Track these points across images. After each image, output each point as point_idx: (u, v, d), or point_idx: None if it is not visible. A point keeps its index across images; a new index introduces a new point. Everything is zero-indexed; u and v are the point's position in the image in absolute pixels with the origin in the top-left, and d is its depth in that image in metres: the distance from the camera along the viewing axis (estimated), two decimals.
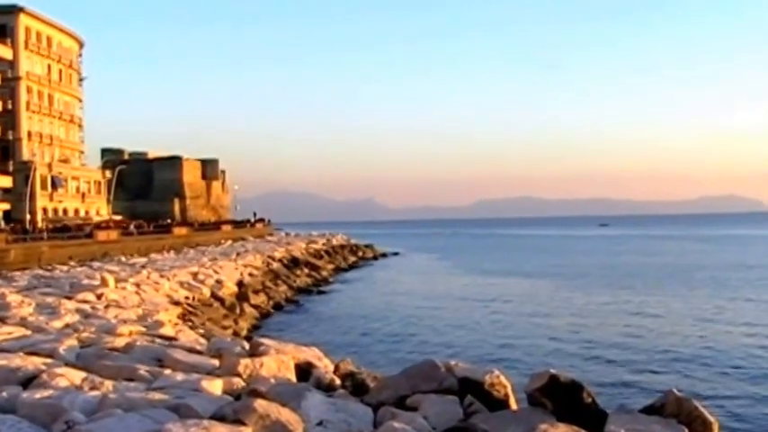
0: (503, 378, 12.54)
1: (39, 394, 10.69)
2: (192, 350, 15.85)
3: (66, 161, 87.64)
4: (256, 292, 42.98)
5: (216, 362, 14.23)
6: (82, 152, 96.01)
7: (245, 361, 13.45)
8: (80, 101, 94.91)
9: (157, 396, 10.82)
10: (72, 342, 15.73)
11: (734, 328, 32.59)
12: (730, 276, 57.53)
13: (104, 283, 30.49)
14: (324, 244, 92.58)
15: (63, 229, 62.43)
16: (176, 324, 23.72)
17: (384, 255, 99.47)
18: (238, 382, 12.48)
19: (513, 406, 12.36)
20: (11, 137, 78.93)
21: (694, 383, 21.78)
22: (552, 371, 11.85)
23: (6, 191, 74.06)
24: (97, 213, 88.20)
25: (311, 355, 15.64)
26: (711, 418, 11.24)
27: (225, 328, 29.82)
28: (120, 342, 16.18)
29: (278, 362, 13.68)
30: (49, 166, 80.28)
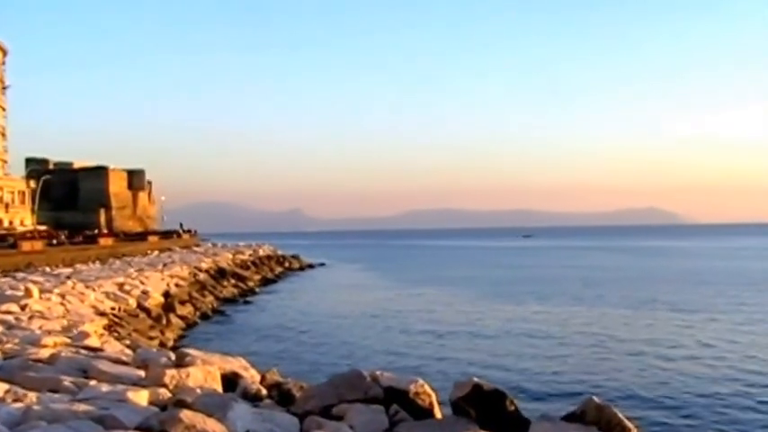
0: (427, 387, 12.62)
1: None
2: (117, 361, 15.60)
3: None
4: (183, 302, 42.49)
5: (142, 373, 14.02)
6: (5, 161, 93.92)
7: (171, 372, 13.29)
8: (3, 109, 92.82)
9: (82, 407, 10.61)
10: None
11: (652, 335, 33.24)
12: (645, 286, 58.66)
13: (28, 293, 29.79)
14: (250, 255, 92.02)
15: None
16: (102, 335, 23.31)
17: (311, 266, 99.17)
18: (164, 393, 12.31)
19: (438, 415, 12.43)
20: None
21: (615, 390, 22.14)
22: (476, 379, 11.96)
23: None
24: (21, 224, 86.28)
25: (238, 365, 15.53)
26: (630, 425, 11.45)
27: (151, 338, 29.44)
28: (44, 353, 15.83)
29: (204, 372, 13.55)
30: None
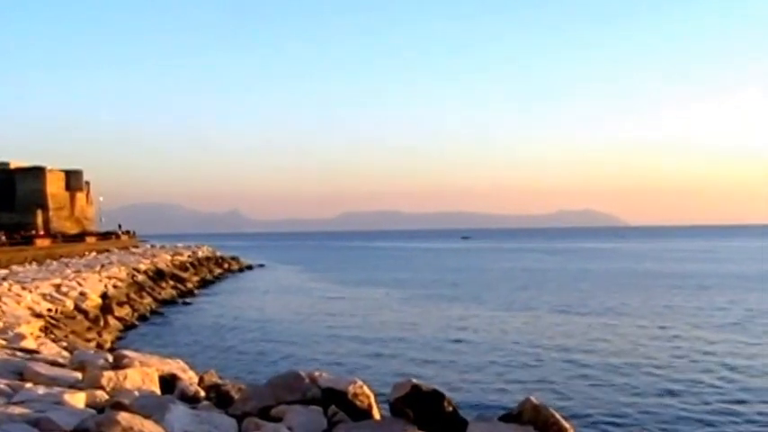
0: (366, 388, 12.61)
1: None
2: (54, 363, 15.32)
3: None
4: (121, 304, 41.98)
5: (79, 375, 13.80)
6: None
7: (108, 373, 13.10)
8: None
9: (17, 410, 10.41)
10: None
11: (586, 337, 33.65)
12: (578, 287, 59.38)
13: None
14: (189, 256, 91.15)
15: None
16: (38, 337, 22.95)
17: (249, 267, 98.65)
18: (101, 395, 12.14)
19: (377, 416, 12.43)
20: None
21: (551, 391, 22.37)
22: (414, 380, 11.98)
23: None
24: None
25: (176, 366, 15.37)
26: (567, 425, 11.57)
27: (88, 340, 29.02)
28: None
29: (142, 374, 13.39)
30: None
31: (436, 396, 11.77)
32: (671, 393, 22.08)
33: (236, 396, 13.03)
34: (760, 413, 19.74)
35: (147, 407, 10.57)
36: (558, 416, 11.57)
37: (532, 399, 11.94)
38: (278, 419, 11.38)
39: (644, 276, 71.76)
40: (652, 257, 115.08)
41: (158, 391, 13.01)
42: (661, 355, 28.56)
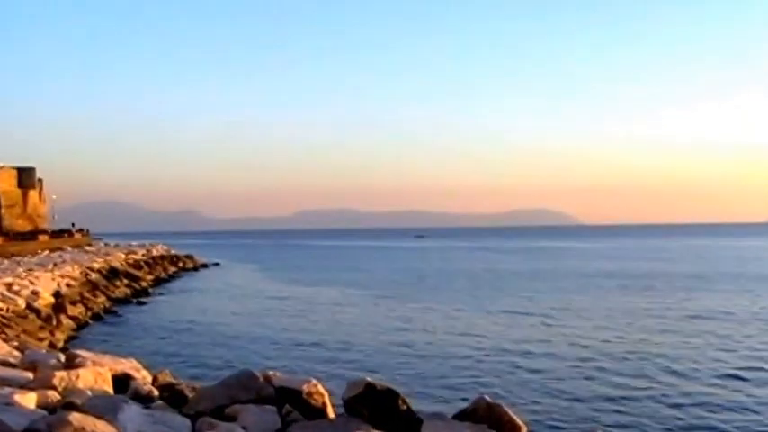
0: (320, 387, 12.61)
1: None
2: (4, 363, 15.08)
3: None
4: (74, 302, 41.46)
5: (30, 375, 13.59)
6: None
7: (60, 373, 12.93)
8: None
9: None
10: None
11: (540, 334, 33.95)
12: (529, 285, 59.82)
13: None
14: (144, 254, 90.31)
15: None
16: None
17: (205, 265, 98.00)
18: (53, 395, 11.98)
19: (331, 414, 12.43)
20: None
21: (505, 389, 22.54)
22: (368, 379, 12.00)
23: None
24: None
25: (129, 366, 15.23)
26: (520, 422, 11.67)
27: (41, 339, 28.63)
28: None
29: (95, 374, 13.23)
30: None
31: (390, 394, 11.80)
32: (619, 391, 22.36)
33: (190, 395, 12.97)
34: (701, 405, 20.11)
35: (99, 407, 10.46)
36: (511, 413, 11.67)
37: (486, 397, 12.03)
38: (232, 419, 11.34)
39: (593, 276, 72.28)
40: (603, 256, 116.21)
41: (111, 391, 12.88)
42: (609, 354, 28.85)
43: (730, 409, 19.99)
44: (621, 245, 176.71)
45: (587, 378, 24.40)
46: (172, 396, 13.11)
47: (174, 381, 14.56)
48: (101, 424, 9.44)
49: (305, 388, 12.38)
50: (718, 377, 24.19)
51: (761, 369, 25.36)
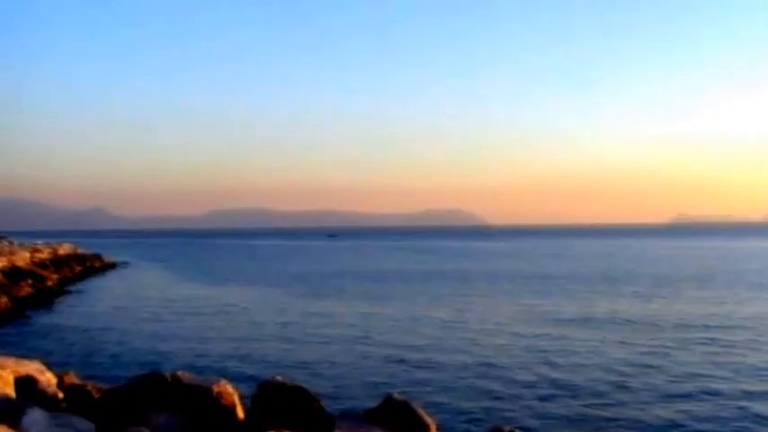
0: (229, 387, 12.48)
1: None
2: None
3: None
4: None
5: None
6: None
7: None
8: None
9: None
10: None
11: (443, 332, 34.34)
12: (433, 284, 60.36)
13: None
14: (49, 253, 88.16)
15: None
16: None
17: (113, 265, 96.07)
18: None
19: (240, 414, 12.33)
20: None
21: (414, 386, 22.71)
22: (279, 378, 11.96)
23: None
24: None
25: (33, 368, 14.81)
26: (429, 420, 11.76)
27: None
28: None
29: None
30: None
31: (301, 393, 11.79)
32: (520, 387, 22.95)
33: (97, 397, 12.72)
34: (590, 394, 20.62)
35: (1, 411, 10.18)
36: (420, 411, 11.75)
37: (395, 395, 12.09)
38: (139, 421, 11.16)
39: (495, 276, 73.22)
40: (511, 257, 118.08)
41: (13, 394, 12.53)
42: (509, 351, 29.56)
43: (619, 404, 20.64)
44: (529, 246, 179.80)
45: (489, 375, 24.90)
46: (78, 398, 12.84)
47: (79, 382, 14.24)
48: (3, 428, 9.17)
49: (214, 388, 12.25)
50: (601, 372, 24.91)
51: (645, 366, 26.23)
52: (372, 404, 12.51)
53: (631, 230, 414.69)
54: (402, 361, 27.81)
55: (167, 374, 12.61)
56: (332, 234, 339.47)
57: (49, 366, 15.92)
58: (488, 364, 26.64)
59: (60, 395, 13.08)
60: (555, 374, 24.70)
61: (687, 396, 21.21)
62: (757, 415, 19.19)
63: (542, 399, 21.31)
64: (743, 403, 20.22)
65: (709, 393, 21.38)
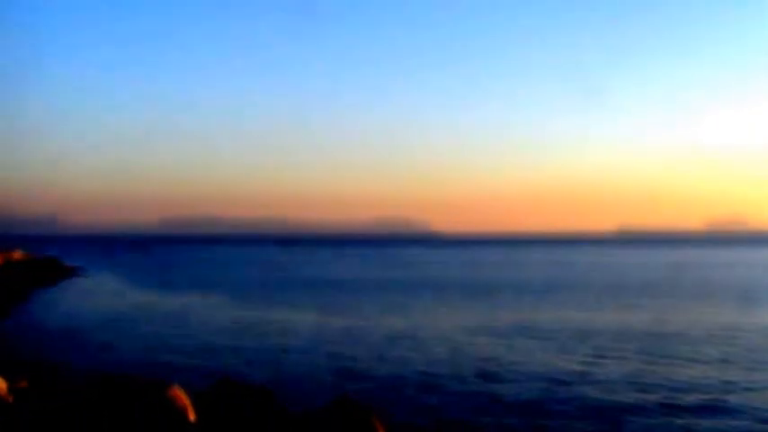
0: (181, 390, 12.65)
1: None
2: None
3: None
4: None
5: None
6: None
7: None
8: None
9: None
10: None
11: (397, 339, 34.58)
12: (379, 292, 60.68)
13: None
14: (1, 259, 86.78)
15: None
16: None
17: (69, 271, 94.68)
18: None
19: (192, 416, 12.50)
20: None
21: (365, 386, 23.03)
22: (231, 379, 12.17)
23: None
24: None
25: None
26: (378, 420, 12.02)
27: None
28: None
29: None
30: None
31: (253, 394, 12.01)
32: (458, 392, 23.27)
33: (49, 401, 12.80)
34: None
35: None
36: (368, 411, 12.02)
37: (346, 395, 12.36)
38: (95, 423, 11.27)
39: (441, 285, 73.75)
40: (459, 265, 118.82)
41: None
42: (450, 359, 29.82)
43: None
44: (477, 254, 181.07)
45: (433, 374, 25.34)
46: (30, 402, 12.91)
47: (30, 387, 14.31)
48: None
49: (166, 391, 12.43)
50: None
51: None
52: (323, 404, 12.72)
53: (578, 239, 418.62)
54: (350, 365, 28.03)
55: (121, 377, 12.75)
56: (280, 241, 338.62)
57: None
58: (430, 371, 26.87)
59: (11, 399, 13.12)
60: (488, 383, 24.78)
61: (614, 407, 21.25)
62: (685, 428, 19.58)
63: (475, 407, 21.53)
64: (671, 418, 20.42)
65: (635, 407, 21.20)
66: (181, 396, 12.60)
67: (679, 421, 19.38)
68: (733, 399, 21.84)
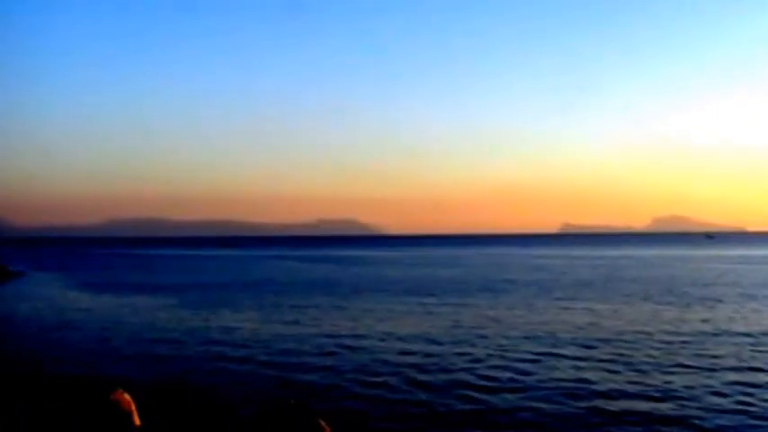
0: (126, 394, 12.95)
1: None
2: None
3: None
4: None
5: None
6: None
7: None
8: None
9: None
10: None
11: (337, 339, 34.96)
12: (342, 292, 61.11)
13: None
14: None
15: None
16: None
17: (8, 275, 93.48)
18: None
19: (137, 421, 12.82)
20: None
21: (312, 389, 23.46)
22: (176, 384, 12.54)
23: None
24: None
25: None
26: (323, 423, 12.48)
27: None
28: None
29: None
30: None
31: (195, 398, 12.39)
32: (419, 392, 23.77)
33: None
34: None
35: None
36: (313, 414, 12.48)
37: (289, 398, 12.78)
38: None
39: (382, 284, 74.01)
40: (403, 265, 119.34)
41: None
42: (390, 359, 30.38)
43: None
44: (421, 254, 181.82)
45: (380, 374, 25.73)
46: None
47: None
48: None
49: (110, 395, 12.73)
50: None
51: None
52: (266, 409, 13.11)
53: (522, 239, 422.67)
54: (297, 363, 28.48)
55: (66, 380, 13.05)
56: (226, 243, 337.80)
57: None
58: (366, 376, 27.38)
59: None
60: (418, 384, 25.19)
61: (547, 414, 21.83)
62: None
63: (407, 414, 22.02)
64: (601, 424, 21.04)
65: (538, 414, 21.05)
66: (125, 400, 12.89)
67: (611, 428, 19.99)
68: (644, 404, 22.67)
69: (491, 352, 31.20)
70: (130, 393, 13.45)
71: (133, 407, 13.36)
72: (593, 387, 23.98)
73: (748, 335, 35.06)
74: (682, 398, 22.39)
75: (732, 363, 27.95)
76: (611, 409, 21.06)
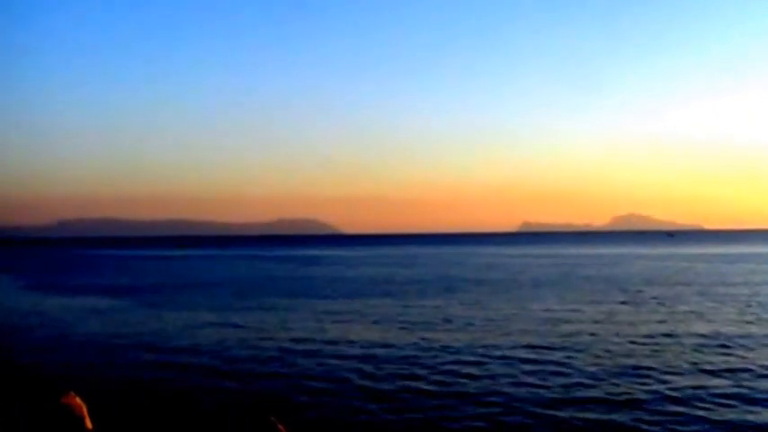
0: (77, 398, 12.97)
1: None
2: None
3: None
4: None
5: None
6: None
7: None
8: None
9: None
10: None
11: (297, 342, 35.08)
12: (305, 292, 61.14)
13: None
14: None
15: None
16: None
17: None
18: None
19: (89, 426, 12.85)
20: None
21: (279, 392, 23.53)
22: (130, 390, 12.60)
23: None
24: None
25: None
26: (282, 427, 12.60)
27: None
28: None
29: None
30: None
31: (156, 401, 12.45)
32: (379, 399, 23.86)
33: None
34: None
35: None
36: (274, 420, 12.60)
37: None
38: None
39: (339, 283, 74.53)
40: (360, 264, 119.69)
41: None
42: (347, 358, 30.60)
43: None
44: (378, 253, 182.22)
45: (346, 376, 25.93)
46: None
47: None
48: None
49: (61, 399, 12.75)
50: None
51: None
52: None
53: (481, 238, 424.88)
54: (246, 371, 28.41)
55: (11, 382, 13.03)
56: (182, 243, 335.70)
57: None
58: (323, 367, 27.58)
59: None
60: (366, 390, 25.01)
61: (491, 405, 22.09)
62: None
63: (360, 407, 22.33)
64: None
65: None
66: (77, 403, 12.90)
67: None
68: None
69: (442, 355, 31.19)
70: (82, 397, 13.51)
71: (85, 410, 13.38)
72: (543, 393, 23.74)
73: (704, 335, 35.21)
74: (635, 402, 22.43)
75: (686, 367, 27.64)
76: (562, 415, 20.90)
